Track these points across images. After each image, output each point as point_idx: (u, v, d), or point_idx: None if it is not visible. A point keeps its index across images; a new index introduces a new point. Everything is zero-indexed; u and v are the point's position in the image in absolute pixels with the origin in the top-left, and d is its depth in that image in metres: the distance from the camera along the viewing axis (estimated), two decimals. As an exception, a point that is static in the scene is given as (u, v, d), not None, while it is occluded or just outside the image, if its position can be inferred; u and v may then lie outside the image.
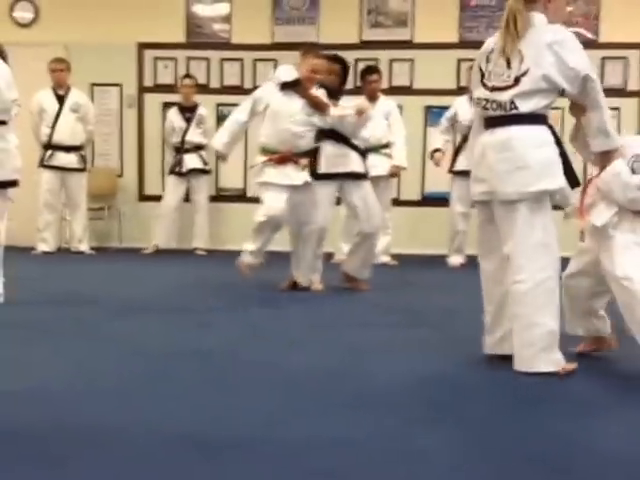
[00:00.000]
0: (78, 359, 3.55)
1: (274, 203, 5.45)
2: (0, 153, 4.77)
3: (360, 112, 5.56)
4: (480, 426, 2.65)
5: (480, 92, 3.37)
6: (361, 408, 2.84)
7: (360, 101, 5.96)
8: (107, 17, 8.72)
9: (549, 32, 3.22)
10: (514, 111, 3.23)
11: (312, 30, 8.69)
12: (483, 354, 3.55)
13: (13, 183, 4.91)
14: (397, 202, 7.70)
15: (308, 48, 5.87)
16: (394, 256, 7.35)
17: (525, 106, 3.23)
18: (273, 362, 3.52)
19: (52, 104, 8.15)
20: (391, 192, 7.65)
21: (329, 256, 6.36)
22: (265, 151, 5.55)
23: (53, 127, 8.11)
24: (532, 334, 3.25)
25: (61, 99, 8.18)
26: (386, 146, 7.29)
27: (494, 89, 3.28)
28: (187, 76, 8.53)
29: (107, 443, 2.41)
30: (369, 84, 7.29)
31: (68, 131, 8.12)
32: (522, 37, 3.22)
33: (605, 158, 3.31)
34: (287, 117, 5.49)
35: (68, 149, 8.14)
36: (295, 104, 5.54)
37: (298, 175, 5.57)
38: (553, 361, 3.27)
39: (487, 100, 3.32)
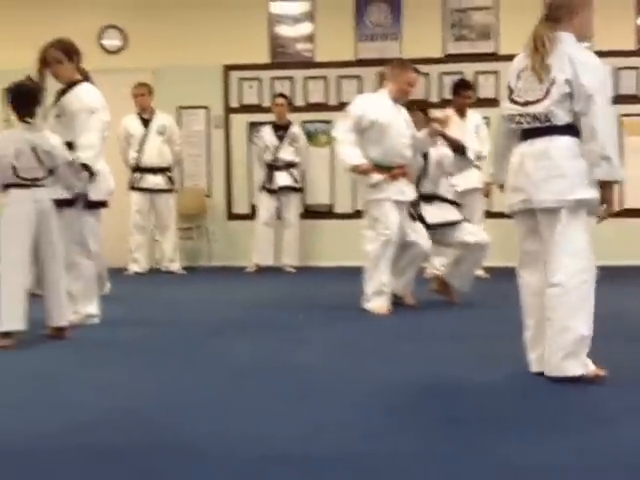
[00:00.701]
0: (175, 376, 3.56)
1: (391, 223, 5.37)
2: (96, 175, 4.87)
3: (434, 133, 5.56)
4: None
5: (510, 108, 3.44)
6: (455, 422, 2.77)
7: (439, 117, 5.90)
8: (193, 41, 8.86)
9: (573, 48, 3.31)
10: (549, 122, 3.31)
11: (395, 45, 8.68)
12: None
13: (104, 204, 5.05)
14: (489, 214, 7.57)
15: (403, 62, 5.78)
16: (486, 269, 7.23)
17: (559, 116, 3.29)
18: (366, 376, 3.47)
19: (138, 128, 8.31)
20: (483, 204, 7.54)
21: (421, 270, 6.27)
22: (378, 167, 5.45)
23: (140, 150, 8.27)
24: (563, 339, 3.23)
25: (146, 123, 8.34)
26: (477, 159, 7.20)
27: (527, 103, 3.35)
28: (280, 95, 8.60)
29: (206, 458, 2.40)
30: (463, 99, 7.23)
31: (155, 153, 8.27)
32: (550, 54, 3.29)
33: (607, 189, 3.31)
34: (399, 131, 5.46)
35: (156, 171, 8.28)
36: (402, 117, 5.52)
37: (410, 190, 5.55)
38: (581, 365, 3.24)
39: (520, 115, 3.39)
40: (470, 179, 7.03)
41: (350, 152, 5.45)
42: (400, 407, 2.99)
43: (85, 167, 4.66)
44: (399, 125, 5.47)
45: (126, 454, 2.45)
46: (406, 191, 5.52)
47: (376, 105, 5.49)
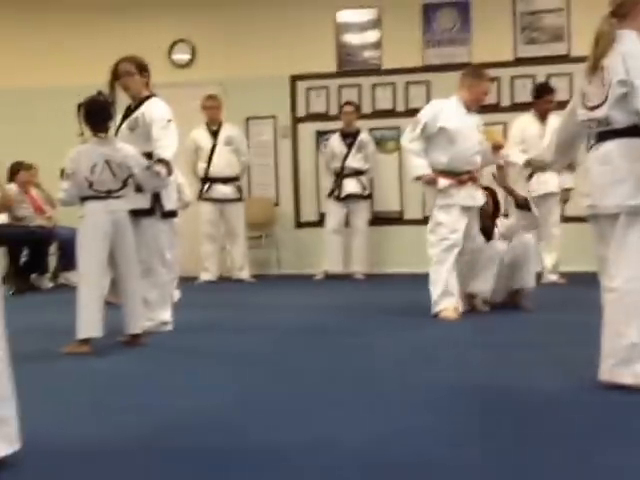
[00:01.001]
0: (249, 381, 3.57)
1: (454, 229, 5.34)
2: (170, 186, 5.00)
3: (497, 147, 5.52)
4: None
5: (582, 113, 3.39)
6: (534, 429, 2.70)
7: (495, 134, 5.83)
8: (260, 53, 8.94)
9: (629, 46, 3.20)
10: (610, 126, 3.24)
11: (463, 50, 8.61)
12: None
13: (174, 213, 5.15)
14: (565, 218, 7.43)
15: (479, 71, 5.71)
16: (563, 274, 7.10)
17: (619, 119, 3.20)
18: (440, 382, 3.42)
19: (207, 140, 8.40)
20: (559, 209, 7.40)
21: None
22: (446, 172, 5.42)
23: (209, 161, 8.35)
24: (616, 344, 3.14)
25: (215, 134, 8.42)
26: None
27: (593, 108, 3.30)
28: (348, 103, 8.60)
29: (285, 463, 2.38)
30: (545, 103, 7.12)
31: (223, 164, 8.34)
32: (606, 54, 3.22)
33: None
34: (468, 138, 5.43)
35: (225, 181, 8.36)
36: (474, 124, 5.48)
37: (480, 195, 5.51)
38: (632, 375, 3.12)
39: (589, 119, 3.33)
40: (547, 184, 6.93)
41: (415, 162, 5.46)
42: (477, 413, 2.94)
43: (164, 163, 4.72)
44: (468, 132, 5.43)
45: (203, 457, 2.44)
46: (476, 196, 5.47)
47: (446, 112, 5.45)
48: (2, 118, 9.21)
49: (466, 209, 5.40)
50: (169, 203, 5.03)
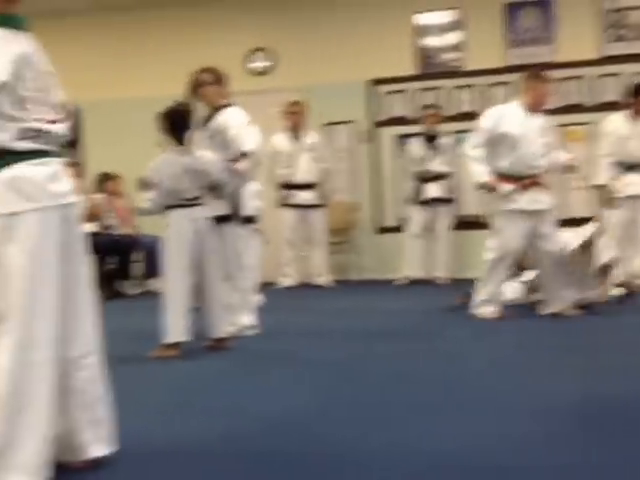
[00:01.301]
0: (330, 386, 3.54)
1: (513, 236, 5.27)
2: (247, 192, 5.05)
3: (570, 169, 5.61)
4: None
5: None
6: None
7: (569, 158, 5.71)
8: (338, 58, 8.92)
9: None
10: None
11: (546, 50, 8.42)
12: None
13: (253, 219, 5.18)
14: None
15: (538, 73, 5.61)
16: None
17: None
18: (536, 389, 3.32)
19: (287, 146, 8.40)
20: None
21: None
22: (509, 177, 5.34)
23: (290, 167, 8.36)
24: None
25: (296, 140, 8.41)
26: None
27: None
28: (429, 105, 8.51)
29: (373, 469, 2.33)
30: None
31: (305, 170, 8.34)
32: None
33: None
34: (530, 142, 5.33)
35: (306, 187, 8.35)
36: (535, 125, 5.37)
37: (546, 199, 5.38)
38: None
39: None
40: (637, 185, 6.68)
41: (477, 169, 5.47)
42: (574, 419, 2.83)
43: (245, 156, 4.76)
44: (531, 136, 5.38)
45: (285, 461, 2.43)
46: (540, 199, 5.39)
47: (507, 117, 5.41)
48: (91, 130, 9.43)
49: (530, 213, 5.31)
50: (248, 209, 5.06)
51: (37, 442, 2.09)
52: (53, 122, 2.23)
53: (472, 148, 5.51)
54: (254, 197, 5.20)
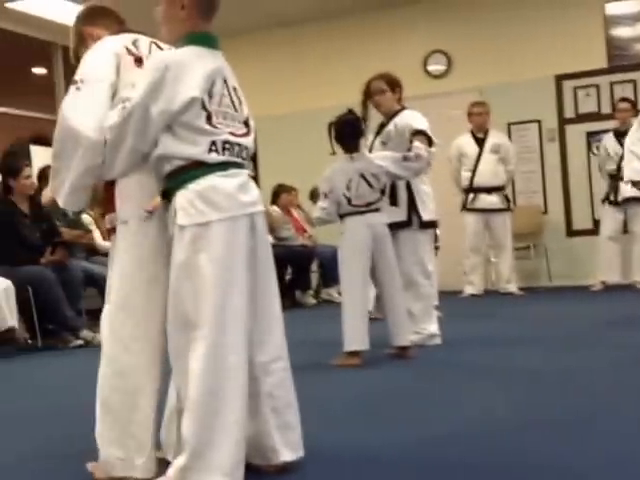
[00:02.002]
0: (519, 397, 3.32)
1: None
2: (424, 195, 4.91)
3: None
4: None
5: None
6: None
7: None
8: (520, 55, 8.64)
9: None
10: None
11: None
12: None
13: (434, 224, 5.03)
14: None
15: None
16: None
17: None
18: None
19: (472, 148, 8.15)
20: None
21: None
22: None
23: (474, 170, 8.09)
24: None
25: (480, 142, 8.14)
26: None
27: None
28: (623, 99, 7.99)
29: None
30: None
31: (489, 173, 8.05)
32: None
33: None
34: None
35: (490, 190, 8.06)
36: None
37: None
38: None
39: None
40: None
41: (634, 165, 5.23)
42: None
43: (421, 134, 4.63)
44: None
45: (477, 473, 2.29)
46: None
47: None
48: (265, 143, 9.60)
49: None
50: (427, 214, 4.90)
51: (231, 444, 2.16)
52: (242, 136, 2.31)
53: (632, 143, 5.28)
54: (431, 200, 5.01)
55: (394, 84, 4.97)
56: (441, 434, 2.74)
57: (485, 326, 5.75)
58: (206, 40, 2.32)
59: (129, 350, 2.28)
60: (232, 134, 2.27)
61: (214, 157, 2.23)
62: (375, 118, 5.02)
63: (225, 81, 2.29)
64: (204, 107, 2.22)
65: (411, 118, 4.82)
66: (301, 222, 8.83)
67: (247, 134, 2.35)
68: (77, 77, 2.40)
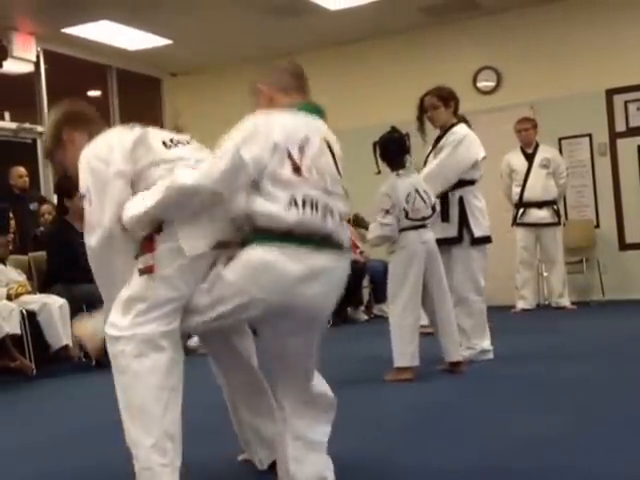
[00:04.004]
0: (576, 411, 3.31)
1: None
2: (476, 211, 4.89)
3: None
4: None
5: None
6: None
7: None
8: (570, 70, 8.60)
9: None
10: None
11: None
12: None
13: (488, 239, 5.00)
14: None
15: None
16: None
17: None
18: None
19: (521, 163, 8.12)
20: None
21: None
22: None
23: (524, 185, 8.05)
24: None
25: (530, 157, 8.11)
26: None
27: None
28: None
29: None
30: None
31: (539, 187, 8.00)
32: None
33: None
34: None
35: (540, 205, 8.01)
36: None
37: None
38: None
39: None
40: None
41: None
42: None
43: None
44: None
45: None
46: None
47: None
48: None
49: None
50: (479, 229, 4.89)
51: None
52: (334, 197, 2.27)
53: None
54: (484, 216, 5.01)
55: (447, 98, 4.98)
56: (494, 448, 2.75)
57: (537, 341, 5.70)
58: (305, 108, 2.38)
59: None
60: (321, 190, 2.21)
61: (293, 215, 2.14)
62: (432, 132, 5.08)
63: (329, 145, 2.30)
64: (290, 157, 2.19)
65: (454, 133, 4.86)
66: (354, 238, 8.87)
67: (341, 199, 2.29)
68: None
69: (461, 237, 4.85)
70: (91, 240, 2.28)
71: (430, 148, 5.06)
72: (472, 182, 4.93)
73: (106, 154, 2.31)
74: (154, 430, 2.18)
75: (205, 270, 2.23)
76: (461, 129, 4.95)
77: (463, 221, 4.85)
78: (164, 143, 2.38)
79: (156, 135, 2.40)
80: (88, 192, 2.31)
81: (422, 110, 4.97)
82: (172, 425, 2.21)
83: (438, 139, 5.03)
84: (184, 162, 2.32)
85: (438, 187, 4.76)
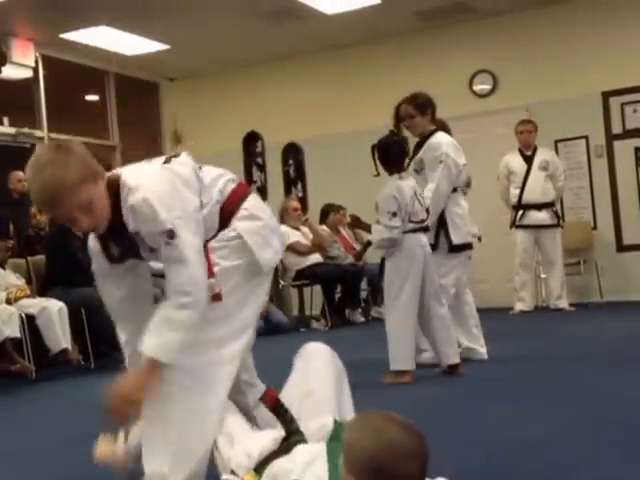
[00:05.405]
0: (572, 415, 3.30)
1: None
2: (456, 218, 4.85)
3: None
4: None
5: None
6: None
7: None
8: (566, 72, 8.61)
9: None
10: None
11: None
12: None
13: (467, 246, 4.96)
14: None
15: None
16: None
17: None
18: None
19: (520, 165, 8.12)
20: None
21: None
22: None
23: (522, 187, 8.06)
24: None
25: (528, 159, 8.12)
26: None
27: None
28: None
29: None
30: None
31: (538, 189, 8.01)
32: None
33: None
34: None
35: (539, 207, 8.02)
36: None
37: None
38: None
39: None
40: None
41: None
42: None
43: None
44: None
45: None
46: None
47: None
48: (313, 164, 9.75)
49: None
50: (457, 237, 4.82)
51: None
52: None
53: None
54: (465, 222, 4.93)
55: (423, 106, 4.88)
56: (493, 453, 2.75)
57: (536, 342, 5.71)
58: None
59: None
60: None
61: None
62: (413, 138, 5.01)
63: None
64: None
65: (431, 148, 4.83)
66: (350, 241, 8.90)
67: None
68: None
69: (437, 244, 4.76)
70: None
71: (409, 158, 4.86)
72: (454, 189, 4.86)
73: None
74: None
75: None
76: (440, 139, 4.87)
77: (441, 228, 4.80)
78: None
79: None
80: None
81: (398, 119, 4.87)
82: None
83: (418, 145, 4.96)
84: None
85: (438, 211, 4.76)
